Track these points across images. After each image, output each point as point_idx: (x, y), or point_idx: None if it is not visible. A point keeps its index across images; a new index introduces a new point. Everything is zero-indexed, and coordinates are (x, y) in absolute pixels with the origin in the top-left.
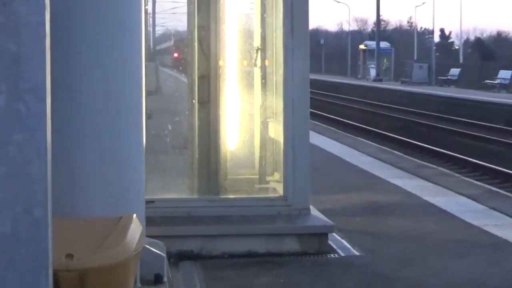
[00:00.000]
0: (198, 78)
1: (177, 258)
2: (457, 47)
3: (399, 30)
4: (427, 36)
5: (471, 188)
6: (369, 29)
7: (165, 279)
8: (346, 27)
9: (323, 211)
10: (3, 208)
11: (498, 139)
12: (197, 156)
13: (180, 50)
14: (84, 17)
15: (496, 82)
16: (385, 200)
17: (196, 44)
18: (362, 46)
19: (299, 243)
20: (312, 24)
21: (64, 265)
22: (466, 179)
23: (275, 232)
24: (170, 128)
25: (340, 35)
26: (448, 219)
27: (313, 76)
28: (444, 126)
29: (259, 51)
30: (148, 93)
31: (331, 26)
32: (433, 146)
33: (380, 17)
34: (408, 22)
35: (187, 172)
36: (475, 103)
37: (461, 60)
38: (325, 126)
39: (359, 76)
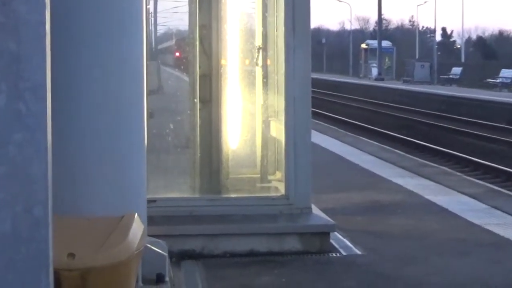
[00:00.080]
0: (200, 77)
1: (179, 257)
2: (459, 46)
3: (401, 29)
4: (428, 35)
5: (473, 187)
6: (371, 28)
7: (167, 278)
8: (348, 26)
9: (324, 210)
10: (3, 208)
11: (500, 138)
12: (198, 155)
13: (181, 49)
14: (85, 17)
15: (497, 81)
16: (387, 199)
17: (197, 43)
18: (363, 45)
19: (300, 242)
20: (314, 23)
21: (65, 264)
22: (468, 178)
23: (276, 231)
24: (171, 127)
25: (342, 34)
26: (450, 218)
27: (315, 75)
28: (446, 125)
29: (261, 50)
30: (150, 92)
31: (332, 25)
32: (434, 145)
33: (382, 16)
34: (410, 21)
35: (189, 171)
36: (477, 102)
37: (463, 59)
38: (326, 125)
39: (361, 75)
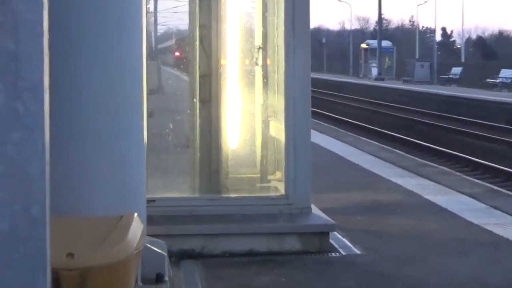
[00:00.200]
0: (200, 77)
1: (178, 257)
2: (458, 46)
3: (401, 29)
4: (428, 35)
5: (472, 187)
6: (371, 28)
7: (166, 278)
8: (348, 26)
9: (324, 210)
10: (1, 207)
11: (500, 138)
12: (198, 155)
13: (181, 49)
14: (85, 16)
15: (497, 81)
16: (386, 199)
17: (197, 43)
18: (364, 45)
19: (300, 242)
20: (314, 23)
21: (65, 264)
22: (467, 177)
23: (276, 231)
24: (171, 127)
25: (342, 34)
26: (449, 218)
27: (315, 75)
28: (446, 125)
29: (261, 50)
30: (149, 92)
31: (333, 25)
32: (434, 145)
33: (382, 16)
34: (410, 21)
35: (189, 171)
36: (477, 102)
37: (462, 59)
38: (326, 124)
39: (361, 75)
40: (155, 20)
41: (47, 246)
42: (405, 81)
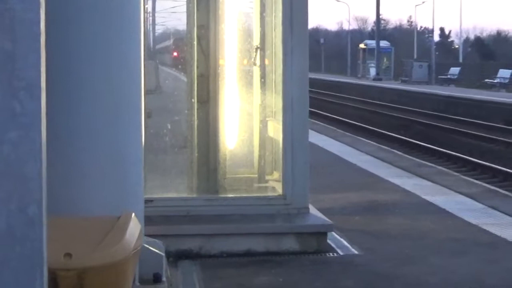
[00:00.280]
0: (197, 77)
1: (176, 257)
2: (457, 46)
3: (399, 29)
4: (427, 35)
5: (470, 186)
6: (369, 28)
7: (164, 278)
8: (346, 26)
9: (322, 210)
10: None
11: (497, 138)
12: (196, 155)
13: (179, 49)
14: (83, 16)
15: (495, 81)
16: (384, 199)
17: (195, 43)
18: (362, 45)
19: (298, 242)
20: (312, 23)
21: (62, 264)
22: (465, 178)
23: (274, 231)
24: (169, 127)
25: (340, 34)
26: (447, 217)
27: (313, 75)
28: (444, 125)
29: (259, 50)
30: (147, 92)
31: (331, 25)
32: (432, 145)
33: (380, 16)
34: (408, 21)
35: (186, 171)
36: (475, 102)
37: (460, 59)
38: (324, 125)
39: (359, 75)
40: (153, 20)
41: (43, 246)
42: (403, 81)
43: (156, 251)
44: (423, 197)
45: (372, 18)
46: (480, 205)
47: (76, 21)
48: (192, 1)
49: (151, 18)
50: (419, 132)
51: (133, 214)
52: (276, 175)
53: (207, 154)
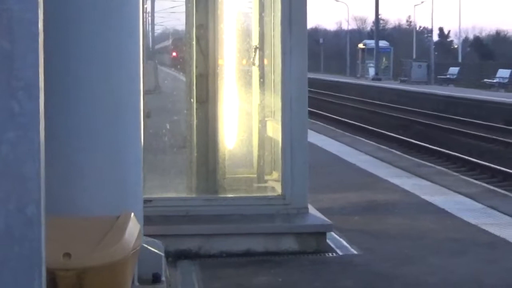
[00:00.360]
0: (196, 77)
1: (175, 257)
2: (456, 46)
3: (398, 29)
4: (426, 35)
5: (469, 186)
6: (368, 28)
7: (163, 278)
8: (345, 26)
9: (321, 210)
10: None
11: (497, 138)
12: (195, 155)
13: (178, 49)
14: (82, 16)
15: (494, 81)
16: (384, 199)
17: (194, 43)
18: (361, 45)
19: (297, 242)
20: (311, 23)
21: (62, 264)
22: (464, 177)
23: (273, 231)
24: (168, 127)
25: (339, 34)
26: (446, 217)
27: (312, 75)
28: (443, 125)
29: (257, 50)
30: (146, 92)
31: (330, 25)
32: (431, 145)
33: (379, 16)
34: (407, 21)
35: (185, 171)
36: (474, 102)
37: (460, 59)
38: (323, 124)
39: (358, 75)
40: (152, 20)
41: (42, 246)
42: (402, 81)
43: (155, 251)
44: (422, 197)
45: (371, 18)
46: (479, 205)
47: (76, 20)
48: (191, 1)
49: (150, 18)
50: (418, 132)
51: (132, 214)
52: (275, 175)
53: (206, 154)
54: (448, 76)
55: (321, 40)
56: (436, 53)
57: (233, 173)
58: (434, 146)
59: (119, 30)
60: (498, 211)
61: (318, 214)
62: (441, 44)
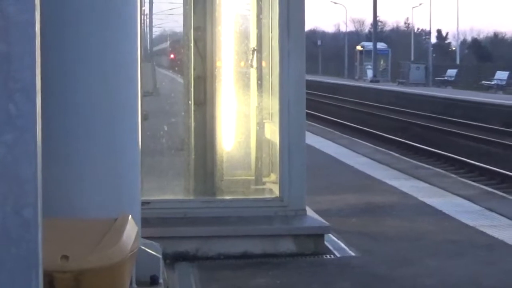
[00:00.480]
0: (194, 79)
1: (173, 259)
2: (454, 48)
3: (396, 31)
4: (424, 37)
5: (468, 188)
6: (366, 30)
7: (161, 280)
8: (343, 28)
9: (319, 212)
10: None
11: (495, 140)
12: (193, 157)
13: (176, 51)
14: (79, 18)
15: (493, 83)
16: (381, 200)
17: (192, 45)
18: (359, 47)
19: (295, 244)
20: (309, 25)
21: (59, 266)
22: (463, 179)
23: (271, 233)
24: (166, 129)
25: (337, 36)
26: (444, 219)
27: (310, 77)
28: (441, 127)
29: (255, 52)
30: (144, 94)
31: (328, 27)
32: (429, 147)
33: (377, 18)
34: (405, 23)
35: (183, 173)
36: (472, 104)
37: (458, 61)
38: (321, 127)
39: (356, 77)
40: (150, 22)
41: (39, 247)
42: (400, 83)
43: (153, 253)
44: (420, 199)
45: (369, 20)
46: (477, 207)
47: (73, 22)
48: (189, 3)
49: (148, 20)
50: (416, 134)
51: (130, 216)
52: (273, 177)
53: (204, 156)
54: (446, 78)
55: (319, 42)
56: (434, 55)
57: (231, 175)
58: (432, 148)
59: (116, 32)
60: (496, 213)
61: (316, 216)
62: (439, 46)
